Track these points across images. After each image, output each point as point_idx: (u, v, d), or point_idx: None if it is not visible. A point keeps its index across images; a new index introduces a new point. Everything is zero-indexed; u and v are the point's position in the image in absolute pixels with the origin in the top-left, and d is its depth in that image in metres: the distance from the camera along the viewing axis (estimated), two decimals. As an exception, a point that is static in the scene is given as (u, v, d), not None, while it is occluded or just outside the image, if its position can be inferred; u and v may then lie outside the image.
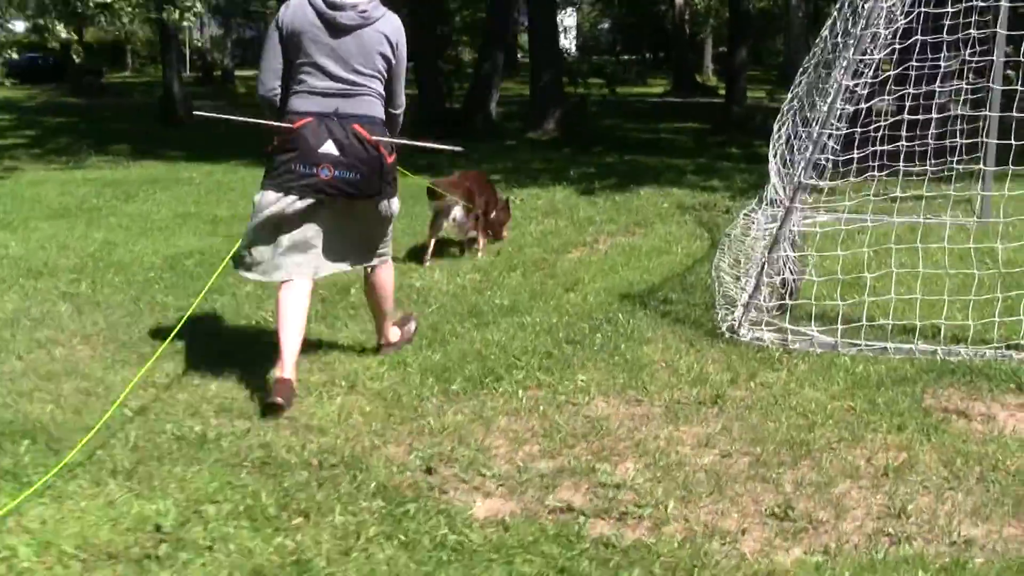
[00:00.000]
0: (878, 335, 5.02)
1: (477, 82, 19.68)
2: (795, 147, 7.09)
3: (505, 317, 5.49)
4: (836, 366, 4.69)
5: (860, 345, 4.93)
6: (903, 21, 5.31)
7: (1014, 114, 5.62)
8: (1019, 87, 5.57)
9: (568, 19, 60.12)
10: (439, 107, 18.85)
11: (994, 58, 6.03)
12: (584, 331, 5.22)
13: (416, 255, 6.96)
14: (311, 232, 4.28)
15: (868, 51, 5.16)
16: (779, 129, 7.80)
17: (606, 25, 64.15)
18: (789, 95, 7.73)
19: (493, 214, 7.21)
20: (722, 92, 29.21)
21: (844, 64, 5.20)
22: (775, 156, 7.84)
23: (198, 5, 16.50)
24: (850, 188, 5.83)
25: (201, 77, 40.20)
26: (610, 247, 7.37)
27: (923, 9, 5.44)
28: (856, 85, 5.18)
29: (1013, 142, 5.88)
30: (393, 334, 4.84)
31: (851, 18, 6.11)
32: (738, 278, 6.02)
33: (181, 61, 48.92)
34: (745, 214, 8.13)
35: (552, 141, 16.91)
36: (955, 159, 6.41)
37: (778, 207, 7.96)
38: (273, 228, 4.26)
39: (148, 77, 40.74)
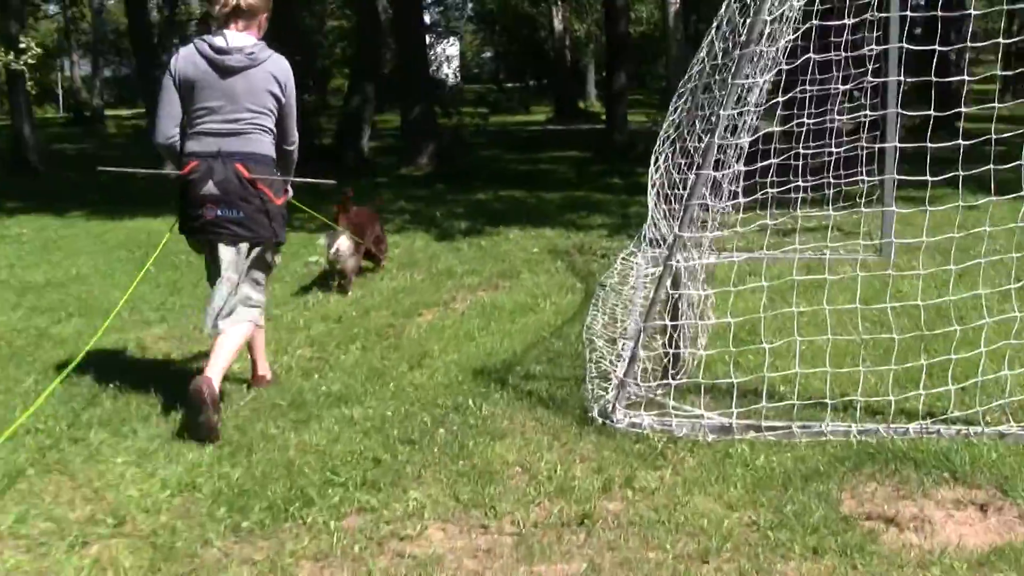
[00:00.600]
0: (780, 413, 4.14)
1: (346, 117, 18.63)
2: (675, 181, 6.27)
3: (332, 409, 4.45)
4: (732, 459, 3.78)
5: (759, 427, 4.03)
6: (790, 37, 4.48)
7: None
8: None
9: (451, 48, 59.63)
10: (305, 143, 17.71)
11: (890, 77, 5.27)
12: (425, 425, 4.22)
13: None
14: (220, 276, 4.34)
15: (750, 74, 4.31)
16: (656, 160, 7.00)
17: (489, 54, 63.86)
18: (666, 122, 6.94)
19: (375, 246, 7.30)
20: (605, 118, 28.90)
21: (725, 90, 4.35)
22: (653, 189, 7.03)
23: (33, 47, 15.23)
24: (738, 221, 4.96)
25: (74, 117, 38.12)
26: (469, 306, 6.37)
27: (815, 22, 4.60)
28: (740, 112, 4.33)
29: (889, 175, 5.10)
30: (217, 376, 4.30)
31: (731, 38, 5.32)
32: (614, 342, 5.10)
33: (53, 100, 47.17)
34: (624, 258, 7.27)
35: (425, 177, 15.94)
36: (842, 180, 5.72)
37: (658, 248, 7.13)
38: (207, 276, 4.45)
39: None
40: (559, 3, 35.60)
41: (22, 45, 15.21)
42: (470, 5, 55.91)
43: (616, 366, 4.60)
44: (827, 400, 4.12)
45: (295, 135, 4.52)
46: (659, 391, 4.32)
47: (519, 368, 4.95)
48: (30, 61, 15.45)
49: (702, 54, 6.11)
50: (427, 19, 50.09)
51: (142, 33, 18.69)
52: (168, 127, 4.30)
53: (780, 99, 4.69)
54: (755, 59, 4.37)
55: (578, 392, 4.51)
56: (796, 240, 6.28)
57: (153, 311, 6.47)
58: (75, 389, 4.73)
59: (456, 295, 6.64)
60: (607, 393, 4.35)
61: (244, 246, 4.31)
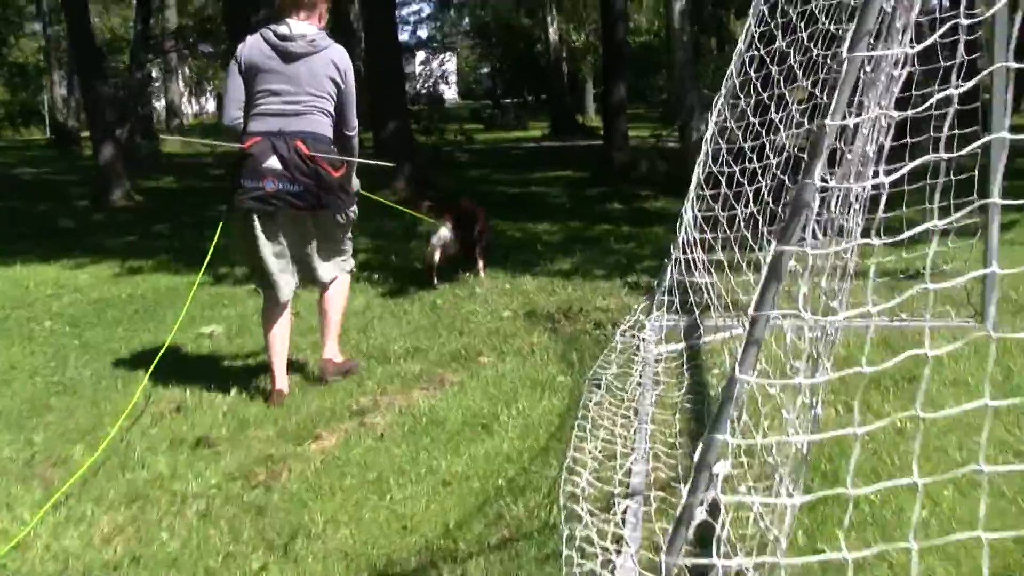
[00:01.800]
0: None
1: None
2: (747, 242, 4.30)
3: None
4: None
5: None
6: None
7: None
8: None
9: (447, 64, 57.92)
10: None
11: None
12: None
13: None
14: (273, 249, 4.48)
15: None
16: (690, 208, 5.05)
17: (486, 69, 62.09)
18: (703, 158, 4.97)
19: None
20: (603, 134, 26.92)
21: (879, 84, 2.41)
22: (683, 247, 5.07)
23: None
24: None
25: (55, 139, 36.11)
26: (393, 420, 4.18)
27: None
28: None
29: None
30: (335, 353, 4.79)
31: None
32: (609, 506, 3.06)
33: (41, 122, 45.26)
34: (625, 330, 5.26)
35: (402, 202, 13.92)
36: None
37: (674, 317, 5.12)
38: (247, 252, 4.52)
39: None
40: (554, 12, 33.63)
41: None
42: (466, 20, 54.23)
43: (613, 551, 2.56)
44: None
45: (355, 121, 4.65)
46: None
47: (454, 548, 2.88)
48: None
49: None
50: (423, 34, 48.43)
51: (86, 50, 16.66)
52: (233, 109, 4.48)
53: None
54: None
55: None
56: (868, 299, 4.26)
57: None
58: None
59: (380, 398, 4.48)
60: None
61: (305, 216, 4.51)
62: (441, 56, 46.76)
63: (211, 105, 43.51)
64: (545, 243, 9.20)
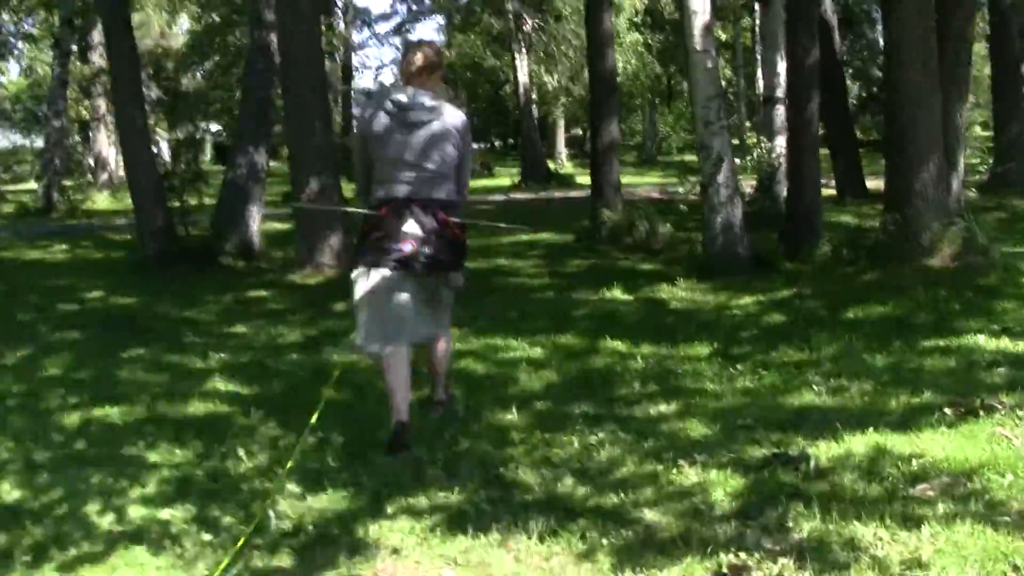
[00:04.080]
0: None
1: (226, 193, 13.24)
2: None
3: None
4: None
5: None
6: None
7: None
8: None
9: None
10: (168, 235, 12.36)
11: None
12: None
13: None
14: (402, 304, 4.69)
15: None
16: None
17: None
18: None
19: None
20: (581, 182, 23.60)
21: None
22: None
23: None
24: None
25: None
26: None
27: None
28: None
29: None
30: (443, 395, 5.20)
31: None
32: None
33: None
34: None
35: (322, 286, 10.48)
36: None
37: None
38: (373, 306, 4.69)
39: None
40: (524, 51, 30.49)
41: None
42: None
43: None
44: None
45: (468, 181, 4.97)
46: None
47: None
48: None
49: None
50: (388, 77, 45.16)
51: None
52: (360, 179, 4.94)
53: None
54: None
55: None
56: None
57: None
58: None
59: None
60: None
61: (431, 276, 4.74)
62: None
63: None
64: (520, 396, 5.77)
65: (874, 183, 18.65)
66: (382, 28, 54.91)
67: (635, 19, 31.70)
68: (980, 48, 23.46)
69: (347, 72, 36.07)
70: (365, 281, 4.67)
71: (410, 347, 4.81)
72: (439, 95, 4.73)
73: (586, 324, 7.51)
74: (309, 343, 7.43)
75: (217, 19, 29.23)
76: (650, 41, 34.10)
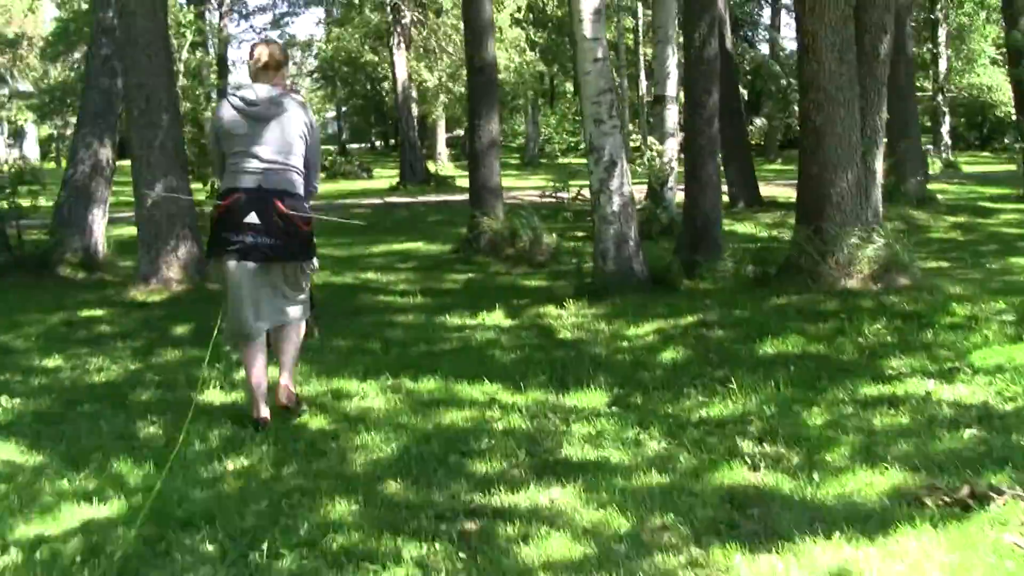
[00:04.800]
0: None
1: (67, 193, 11.55)
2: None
3: None
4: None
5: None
6: None
7: None
8: None
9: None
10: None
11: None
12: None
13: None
14: (252, 292, 4.85)
15: None
16: None
17: (332, 113, 57.14)
18: None
19: None
20: (462, 184, 22.29)
21: None
22: None
23: None
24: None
25: None
26: None
27: None
28: None
29: None
30: (290, 383, 5.06)
31: None
32: None
33: None
34: None
35: (166, 305, 8.95)
36: None
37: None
38: (229, 299, 4.88)
39: None
40: (402, 46, 29.03)
41: None
42: (310, 59, 49.14)
43: None
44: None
45: (318, 172, 5.14)
46: None
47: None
48: None
49: None
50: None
51: None
52: (217, 172, 5.19)
53: None
54: None
55: None
56: None
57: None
58: None
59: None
60: None
61: (277, 266, 4.88)
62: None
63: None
64: (358, 475, 4.47)
65: (767, 190, 18.01)
66: (260, 21, 52.92)
67: (517, 15, 30.46)
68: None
69: (223, 66, 33.89)
70: (220, 272, 4.93)
71: (264, 335, 4.97)
72: (284, 92, 4.90)
73: (457, 360, 6.23)
74: (127, 383, 5.99)
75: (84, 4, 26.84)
76: (533, 37, 33.04)
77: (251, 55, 4.92)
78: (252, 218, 4.70)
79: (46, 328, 8.06)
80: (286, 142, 4.80)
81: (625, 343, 6.58)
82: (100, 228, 11.46)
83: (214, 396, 5.59)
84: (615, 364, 6.00)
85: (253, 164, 4.76)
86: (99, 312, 8.66)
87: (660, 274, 8.76)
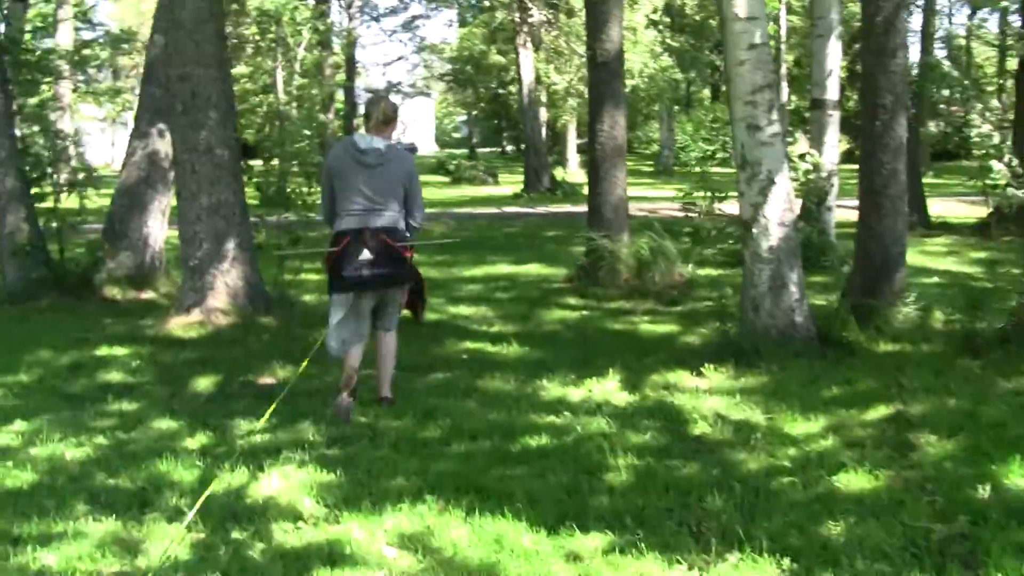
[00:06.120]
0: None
1: (116, 204, 10.12)
2: None
3: None
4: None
5: None
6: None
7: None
8: None
9: (424, 111, 52.03)
10: None
11: None
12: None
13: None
14: (364, 312, 5.57)
15: None
16: None
17: (463, 117, 55.98)
18: None
19: None
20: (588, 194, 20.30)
21: None
22: None
23: None
24: None
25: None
26: None
27: None
28: None
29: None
30: (387, 401, 5.67)
31: None
32: None
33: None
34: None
35: (204, 343, 7.29)
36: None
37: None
38: (343, 319, 5.51)
39: None
40: (528, 45, 27.24)
41: None
42: (436, 63, 47.92)
43: None
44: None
45: (420, 212, 5.67)
46: None
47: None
48: None
49: None
50: (396, 74, 42.08)
51: None
52: (325, 208, 5.69)
53: None
54: None
55: None
56: None
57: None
58: None
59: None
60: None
61: (391, 291, 5.65)
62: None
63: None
64: None
65: (931, 208, 15.50)
66: (390, 24, 52.10)
67: (653, 16, 28.14)
68: None
69: (351, 67, 32.79)
70: (339, 304, 5.50)
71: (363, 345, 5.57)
72: (391, 145, 5.54)
73: (540, 478, 4.28)
74: (65, 488, 4.29)
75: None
76: (670, 42, 30.64)
77: (367, 110, 5.68)
78: (365, 255, 5.34)
79: (46, 372, 6.65)
80: (390, 186, 5.46)
81: (791, 451, 4.50)
82: (158, 241, 9.97)
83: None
84: (780, 500, 3.94)
85: (359, 205, 5.42)
86: (120, 351, 7.10)
87: (824, 326, 6.65)
